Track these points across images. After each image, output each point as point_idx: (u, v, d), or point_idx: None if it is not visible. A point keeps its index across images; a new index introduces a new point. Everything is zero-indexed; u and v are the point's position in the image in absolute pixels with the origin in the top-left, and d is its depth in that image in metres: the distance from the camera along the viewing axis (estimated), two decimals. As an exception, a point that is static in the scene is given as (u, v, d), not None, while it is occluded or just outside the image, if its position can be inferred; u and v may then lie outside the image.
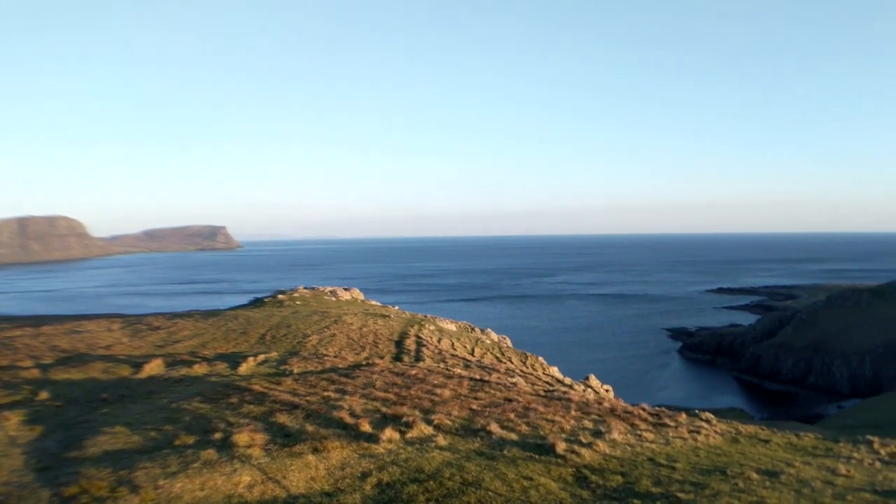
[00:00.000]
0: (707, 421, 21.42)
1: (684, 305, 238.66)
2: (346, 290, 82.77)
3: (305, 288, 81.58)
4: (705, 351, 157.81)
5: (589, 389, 41.42)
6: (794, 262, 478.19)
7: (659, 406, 24.74)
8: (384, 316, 58.36)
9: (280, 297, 73.96)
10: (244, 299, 70.35)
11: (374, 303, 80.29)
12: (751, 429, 20.84)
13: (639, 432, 18.51)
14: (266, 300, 73.26)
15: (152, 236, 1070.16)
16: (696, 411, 23.39)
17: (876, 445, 19.73)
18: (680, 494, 12.56)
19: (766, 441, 19.02)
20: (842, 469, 15.44)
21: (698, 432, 19.03)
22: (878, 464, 16.99)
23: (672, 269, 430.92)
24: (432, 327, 52.49)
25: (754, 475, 14.15)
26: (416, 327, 50.31)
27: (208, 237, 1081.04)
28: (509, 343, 57.31)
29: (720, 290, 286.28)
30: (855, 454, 18.02)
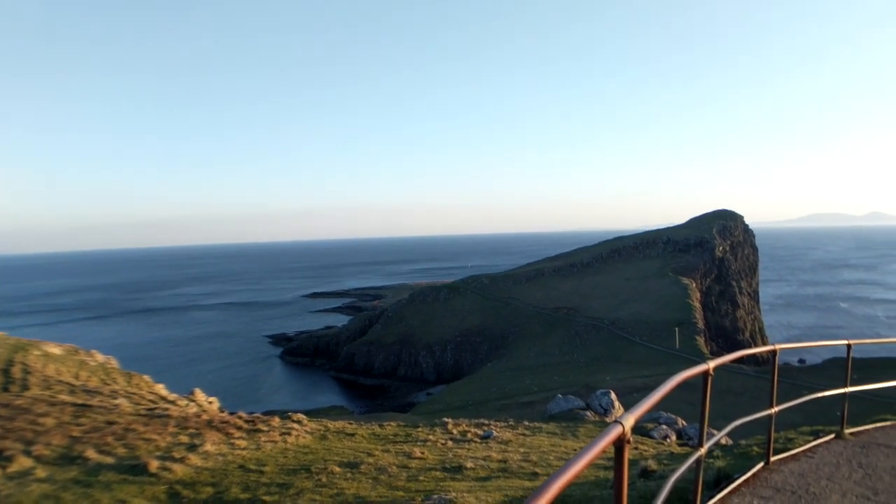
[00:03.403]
0: (298, 422, 21.83)
1: (286, 311, 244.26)
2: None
3: None
4: (304, 354, 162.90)
5: (192, 404, 40.27)
6: (383, 264, 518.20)
7: (263, 412, 24.93)
8: (-13, 344, 50.94)
9: None
10: None
11: (-26, 330, 69.37)
12: (339, 424, 21.74)
13: (233, 441, 18.41)
14: None
15: None
16: (289, 413, 23.72)
17: (450, 426, 21.94)
18: (266, 497, 12.88)
19: (352, 434, 19.95)
20: (417, 452, 16.77)
21: (289, 434, 19.33)
22: (450, 443, 18.88)
23: (276, 276, 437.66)
24: (38, 352, 47.25)
25: (337, 469, 14.78)
26: (20, 354, 45.24)
27: None
28: (115, 363, 53.83)
29: (315, 295, 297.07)
30: (431, 437, 19.79)
